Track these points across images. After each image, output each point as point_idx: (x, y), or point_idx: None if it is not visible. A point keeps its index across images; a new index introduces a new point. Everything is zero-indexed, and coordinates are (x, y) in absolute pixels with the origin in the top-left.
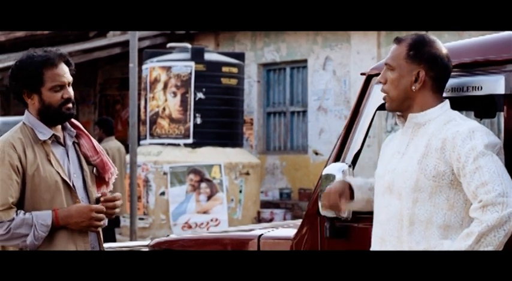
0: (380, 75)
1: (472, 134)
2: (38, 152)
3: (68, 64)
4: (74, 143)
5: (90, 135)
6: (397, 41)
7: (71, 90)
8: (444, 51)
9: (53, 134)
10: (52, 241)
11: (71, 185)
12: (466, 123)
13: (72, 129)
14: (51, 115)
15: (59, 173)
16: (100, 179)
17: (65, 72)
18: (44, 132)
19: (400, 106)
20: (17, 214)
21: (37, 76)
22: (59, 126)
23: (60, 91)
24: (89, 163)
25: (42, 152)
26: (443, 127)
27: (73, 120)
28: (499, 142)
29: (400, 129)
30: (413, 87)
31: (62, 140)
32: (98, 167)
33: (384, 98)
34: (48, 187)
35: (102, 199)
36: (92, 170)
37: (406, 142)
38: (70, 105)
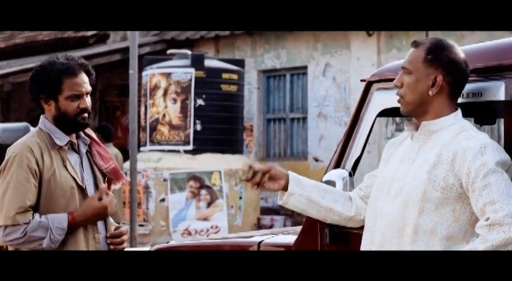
0: (396, 79)
1: (483, 150)
2: (54, 157)
3: (88, 74)
4: (86, 151)
5: (101, 144)
6: (415, 44)
7: (88, 100)
8: (462, 56)
9: (69, 141)
10: (64, 240)
11: (86, 191)
12: (478, 138)
13: (86, 137)
14: (66, 123)
15: (74, 179)
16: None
17: (84, 82)
18: (61, 138)
19: (415, 110)
20: (33, 217)
21: (56, 84)
22: (74, 134)
23: (77, 101)
24: (101, 171)
25: (58, 158)
26: (455, 138)
27: (86, 129)
28: (509, 159)
29: (404, 134)
30: (430, 92)
31: (76, 148)
32: (110, 175)
33: (399, 101)
34: (64, 193)
35: (108, 235)
36: (104, 179)
37: (416, 148)
38: (85, 115)
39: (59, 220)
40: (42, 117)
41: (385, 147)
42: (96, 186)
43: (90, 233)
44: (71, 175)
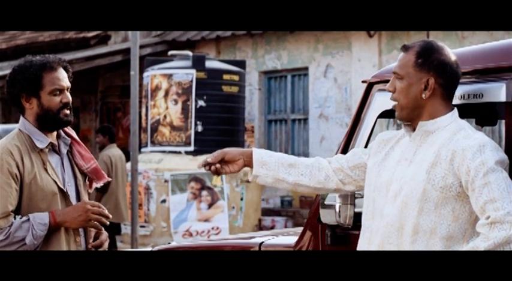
0: (389, 84)
1: (482, 148)
2: (35, 160)
3: (66, 70)
4: (67, 151)
5: (82, 144)
6: (405, 48)
7: (69, 96)
8: (453, 57)
9: (50, 142)
10: (46, 242)
11: (67, 194)
12: (476, 137)
13: (67, 137)
14: (48, 120)
15: (55, 182)
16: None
17: (64, 77)
18: (41, 140)
19: (410, 115)
20: (14, 219)
21: (36, 79)
22: (54, 134)
23: (59, 95)
24: (81, 171)
25: (39, 160)
26: (453, 137)
27: (66, 128)
28: (507, 158)
29: (399, 132)
30: (423, 95)
31: (57, 148)
32: (90, 175)
33: (394, 107)
34: (45, 196)
35: (89, 246)
36: (84, 179)
37: (413, 149)
38: (67, 111)
39: (41, 216)
40: (22, 118)
41: (375, 140)
42: (77, 187)
43: (72, 236)
44: (52, 178)
